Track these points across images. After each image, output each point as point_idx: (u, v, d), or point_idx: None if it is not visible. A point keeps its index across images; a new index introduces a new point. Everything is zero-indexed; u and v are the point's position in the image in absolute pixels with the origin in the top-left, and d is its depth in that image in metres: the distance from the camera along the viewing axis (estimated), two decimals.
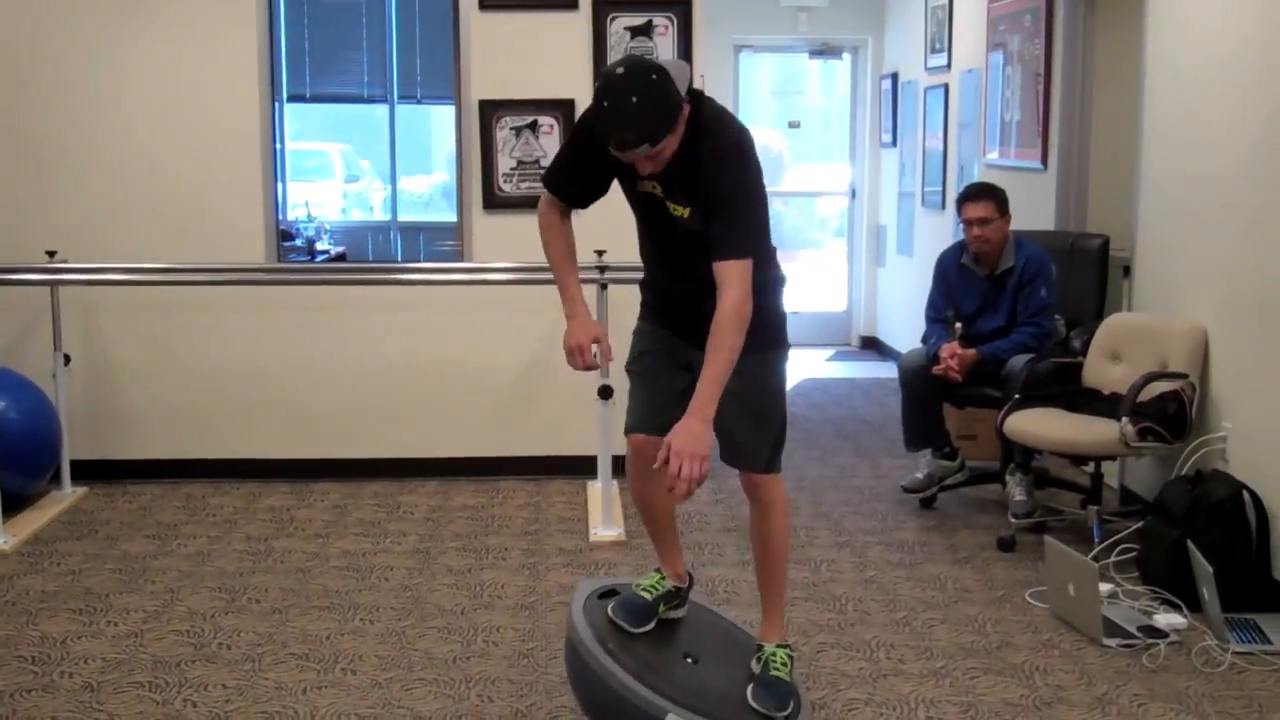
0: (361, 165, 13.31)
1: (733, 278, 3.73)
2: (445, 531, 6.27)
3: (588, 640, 4.00)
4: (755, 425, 4.04)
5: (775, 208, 12.54)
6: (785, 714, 3.97)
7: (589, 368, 4.07)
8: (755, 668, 4.11)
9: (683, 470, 3.57)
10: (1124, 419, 5.49)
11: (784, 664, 4.12)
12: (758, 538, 4.21)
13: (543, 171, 4.25)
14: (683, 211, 3.89)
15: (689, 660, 4.14)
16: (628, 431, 4.21)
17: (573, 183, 4.09)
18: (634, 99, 3.62)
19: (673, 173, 3.85)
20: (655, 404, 4.14)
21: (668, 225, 3.97)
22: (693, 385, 3.95)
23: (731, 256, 3.75)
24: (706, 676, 4.09)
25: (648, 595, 4.26)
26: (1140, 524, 5.59)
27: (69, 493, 6.82)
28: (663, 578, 4.33)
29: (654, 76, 3.67)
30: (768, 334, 4.01)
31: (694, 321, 4.02)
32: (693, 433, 3.63)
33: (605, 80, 3.70)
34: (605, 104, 3.66)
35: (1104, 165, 7.49)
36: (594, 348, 4.03)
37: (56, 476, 6.82)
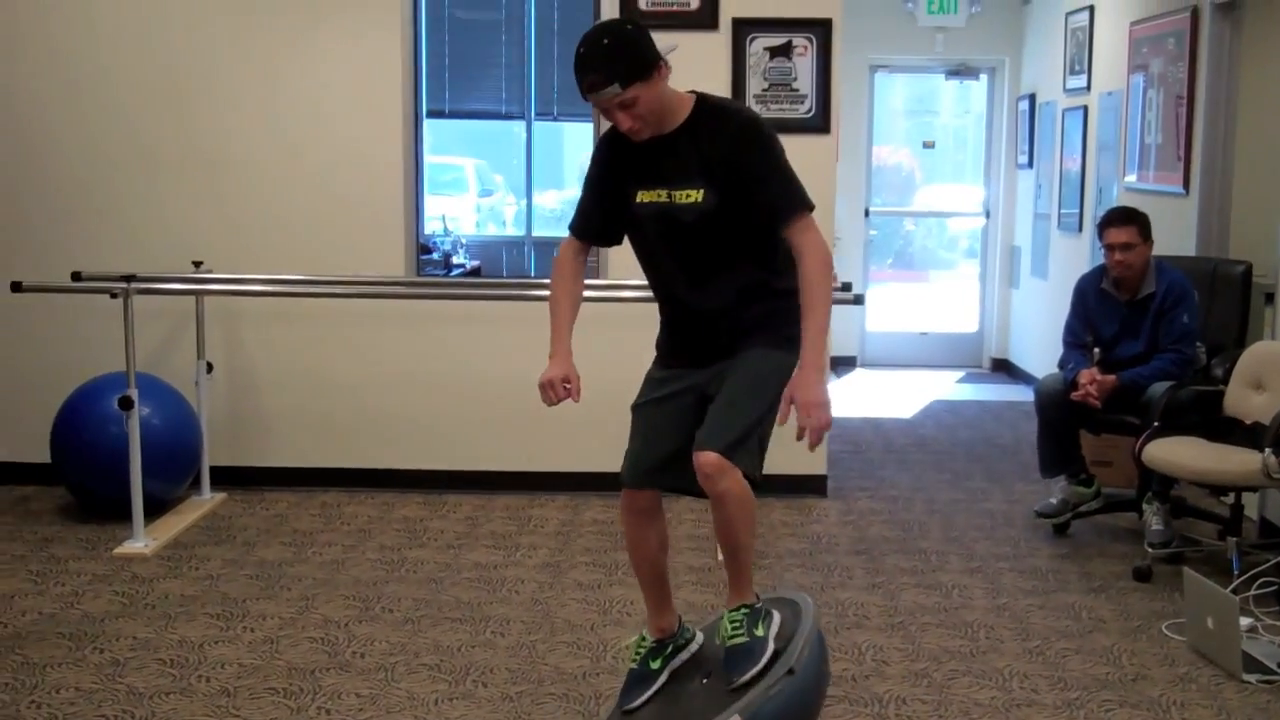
0: (495, 180, 13.42)
1: (801, 232, 3.84)
2: (575, 545, 6.30)
3: None
4: (729, 406, 3.91)
5: (906, 226, 12.48)
6: (745, 678, 3.87)
7: (557, 402, 4.16)
8: (718, 642, 4.07)
9: (811, 419, 3.74)
10: (1266, 450, 5.38)
11: (734, 627, 3.99)
12: (716, 528, 4.06)
13: None
14: (695, 196, 3.91)
15: (704, 681, 4.11)
16: (624, 483, 4.19)
17: (596, 218, 4.18)
18: (605, 41, 3.78)
19: (681, 157, 3.92)
20: (648, 458, 4.14)
21: (674, 228, 3.97)
22: (687, 430, 4.03)
23: (796, 213, 3.85)
24: (712, 693, 4.02)
25: (634, 660, 4.22)
26: None
27: (209, 498, 6.95)
28: (642, 639, 4.25)
29: (629, 27, 3.87)
30: (782, 332, 3.97)
31: (715, 333, 4.06)
32: (812, 386, 3.77)
33: (585, 34, 3.84)
34: (580, 50, 3.79)
35: (1247, 190, 7.36)
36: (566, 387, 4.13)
37: (197, 482, 6.96)
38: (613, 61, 3.74)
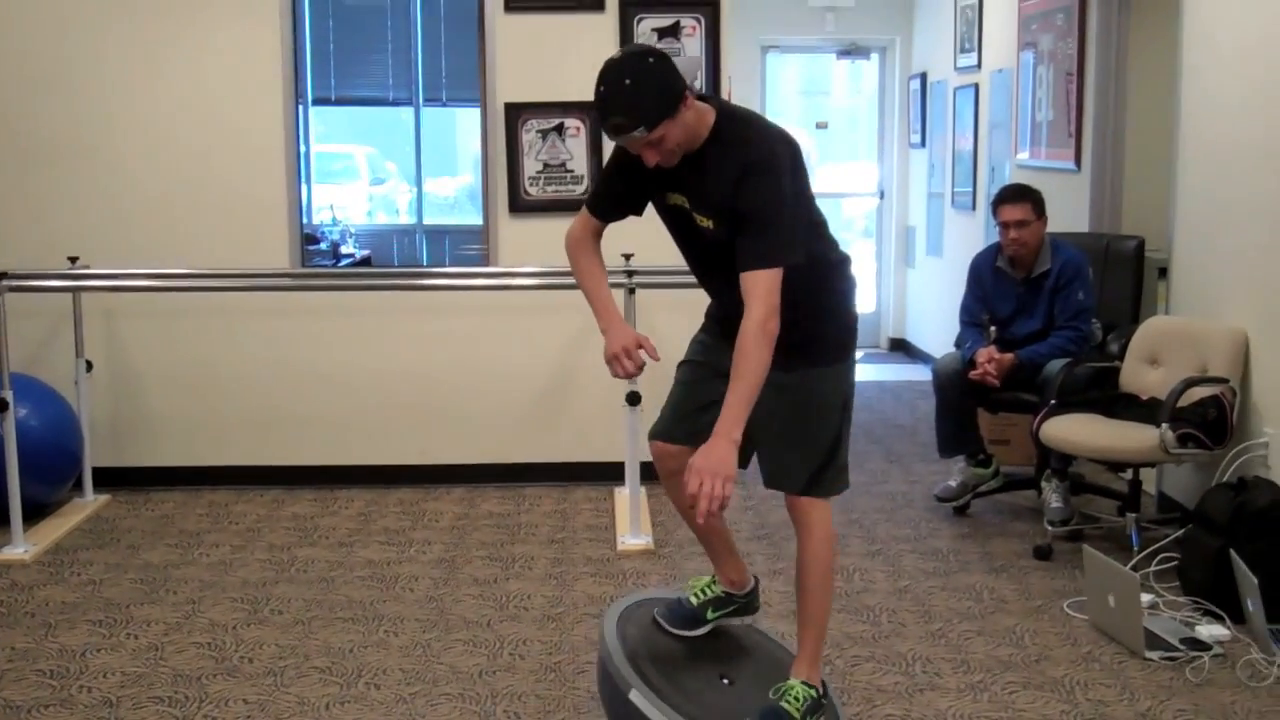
0: (387, 168, 13.23)
1: (757, 290, 3.55)
2: (470, 540, 6.17)
3: (615, 653, 3.92)
4: (795, 444, 3.88)
5: None
6: None
7: (636, 371, 3.88)
8: (773, 696, 3.91)
9: (703, 488, 3.42)
10: (1163, 425, 5.37)
11: (797, 700, 3.87)
12: (797, 563, 4.00)
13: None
14: (707, 223, 3.76)
15: (724, 681, 4.03)
16: (650, 436, 4.13)
17: (614, 203, 4.02)
18: (628, 82, 3.53)
19: (694, 183, 3.75)
20: (681, 411, 4.09)
21: (696, 236, 3.85)
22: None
23: (755, 266, 3.57)
24: (733, 700, 3.94)
25: (695, 599, 4.23)
26: (1180, 532, 5.47)
27: (91, 501, 6.74)
28: (713, 581, 4.27)
29: (651, 60, 3.58)
30: (822, 348, 3.88)
31: (736, 326, 3.94)
32: (716, 453, 3.47)
33: (604, 66, 3.61)
34: (601, 89, 3.58)
35: (1139, 165, 7.37)
36: (640, 352, 3.88)
37: (79, 484, 6.75)
38: (637, 103, 3.52)
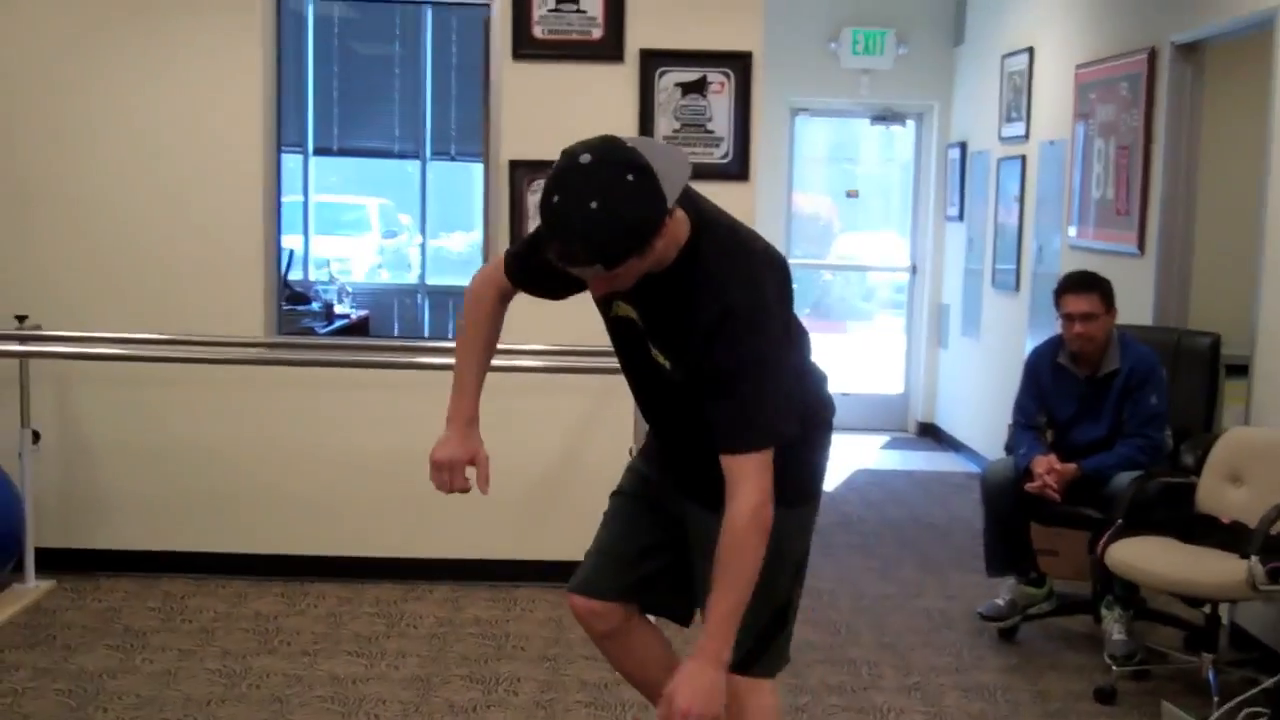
0: (401, 221, 12.72)
1: (746, 474, 2.85)
2: (451, 653, 5.43)
3: None
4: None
5: (824, 278, 11.70)
6: None
7: (456, 490, 3.28)
8: None
9: None
10: (1253, 558, 4.63)
11: None
12: None
13: None
14: (663, 361, 3.02)
15: None
16: (570, 589, 3.41)
17: (530, 276, 3.26)
18: (594, 205, 2.69)
19: (654, 307, 2.99)
20: (611, 557, 3.40)
21: (648, 364, 3.08)
22: (669, 542, 3.26)
23: (744, 449, 2.86)
24: None
25: None
26: (1271, 682, 4.73)
27: (33, 587, 6.01)
28: None
29: (630, 177, 2.73)
30: (784, 490, 2.96)
31: (686, 472, 3.19)
32: (701, 685, 2.82)
33: (564, 164, 2.77)
34: (555, 199, 2.74)
35: (1210, 252, 6.67)
36: (470, 470, 3.24)
37: (19, 567, 6.02)
38: (601, 235, 2.72)
